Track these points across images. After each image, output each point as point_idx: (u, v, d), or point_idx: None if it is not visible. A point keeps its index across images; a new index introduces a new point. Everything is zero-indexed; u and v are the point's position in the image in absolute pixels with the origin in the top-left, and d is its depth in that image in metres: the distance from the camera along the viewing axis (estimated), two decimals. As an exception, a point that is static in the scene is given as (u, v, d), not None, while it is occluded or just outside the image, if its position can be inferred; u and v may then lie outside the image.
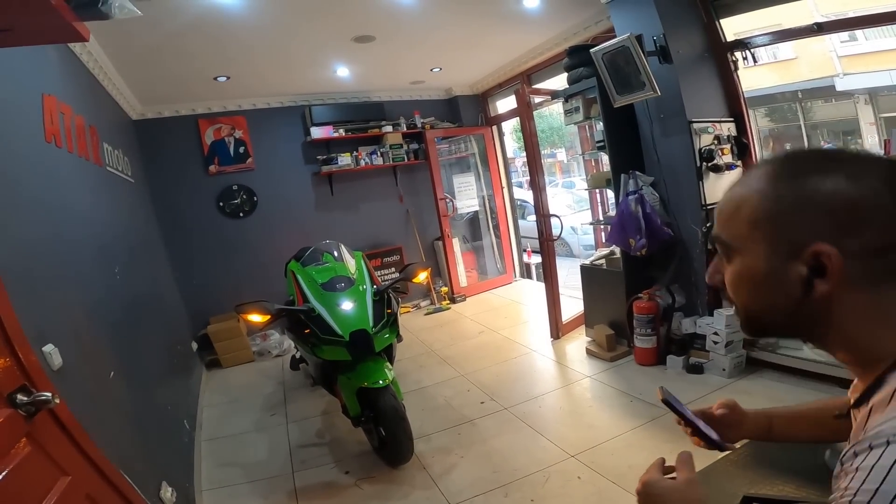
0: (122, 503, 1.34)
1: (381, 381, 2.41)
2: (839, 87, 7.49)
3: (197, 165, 4.84)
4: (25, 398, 1.12)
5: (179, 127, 4.72)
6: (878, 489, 0.48)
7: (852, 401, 0.69)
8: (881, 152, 2.51)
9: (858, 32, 5.52)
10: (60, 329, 1.55)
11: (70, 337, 1.61)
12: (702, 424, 0.93)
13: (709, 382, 3.03)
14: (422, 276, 2.78)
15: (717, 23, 3.25)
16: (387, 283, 2.79)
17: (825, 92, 8.02)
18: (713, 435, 0.92)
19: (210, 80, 4.17)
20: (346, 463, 2.66)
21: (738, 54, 3.21)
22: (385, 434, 2.43)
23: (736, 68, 3.25)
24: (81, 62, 2.81)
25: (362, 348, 2.40)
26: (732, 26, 3.29)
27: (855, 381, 0.73)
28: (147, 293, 3.20)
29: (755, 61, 3.18)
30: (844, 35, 6.22)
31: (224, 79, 4.17)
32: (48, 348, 1.38)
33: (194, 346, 4.48)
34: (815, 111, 8.72)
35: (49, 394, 1.15)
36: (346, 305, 2.53)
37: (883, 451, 0.50)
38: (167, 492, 1.88)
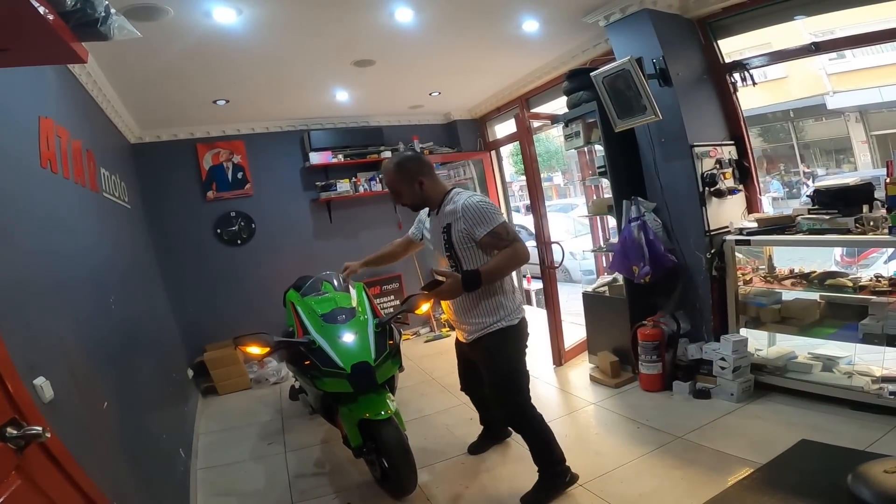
0: (115, 542, 1.27)
1: (383, 413, 2.35)
2: (830, 106, 7.50)
3: (195, 191, 4.80)
4: (15, 432, 1.07)
5: (177, 151, 4.69)
6: None
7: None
8: (881, 172, 2.57)
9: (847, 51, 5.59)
10: (52, 360, 1.49)
11: (62, 368, 1.55)
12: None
13: (717, 407, 2.97)
14: (424, 308, 2.72)
15: (714, 44, 3.28)
16: (389, 315, 2.74)
17: (817, 111, 8.03)
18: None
19: (209, 104, 4.16)
20: (348, 494, 2.58)
21: (736, 75, 3.22)
22: (388, 466, 2.36)
23: (735, 90, 3.27)
24: (80, 84, 2.79)
25: (364, 381, 2.35)
26: (724, 47, 3.32)
27: None
28: (143, 321, 3.13)
29: (754, 83, 3.20)
30: (832, 53, 6.48)
31: (223, 102, 4.17)
32: (39, 381, 1.33)
33: (190, 373, 4.40)
34: (807, 130, 8.70)
35: (39, 428, 1.10)
36: (348, 337, 2.48)
37: None
38: (161, 528, 1.79)
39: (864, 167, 7.52)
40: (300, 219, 5.25)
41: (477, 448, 2.83)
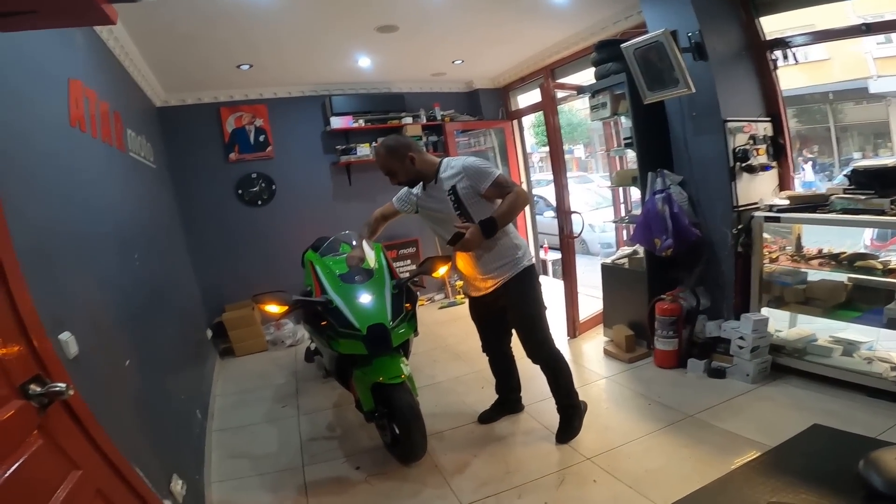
0: (132, 498, 1.31)
1: (397, 378, 2.37)
2: (872, 90, 7.34)
3: (217, 153, 4.86)
4: (39, 389, 1.09)
5: (201, 114, 4.74)
6: None
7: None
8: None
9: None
10: (78, 316, 1.53)
11: (87, 324, 1.59)
12: None
13: (731, 388, 2.94)
14: (442, 270, 2.72)
15: (756, 21, 3.15)
16: (406, 276, 2.73)
17: (857, 94, 7.84)
18: None
19: (233, 68, 4.16)
20: (358, 458, 2.63)
21: (777, 53, 3.10)
22: (399, 431, 2.40)
23: (775, 67, 3.15)
24: (108, 48, 2.79)
25: (379, 343, 2.35)
26: (765, 26, 3.19)
27: None
28: (165, 279, 3.19)
29: (796, 61, 3.08)
30: (881, 36, 6.02)
31: (247, 67, 4.16)
32: (64, 336, 1.36)
33: (209, 333, 4.50)
34: (846, 113, 8.46)
35: (63, 384, 1.12)
36: (365, 298, 2.48)
37: None
38: (178, 485, 1.86)
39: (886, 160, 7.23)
40: (320, 181, 5.29)
41: (488, 417, 2.87)
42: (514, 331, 2.62)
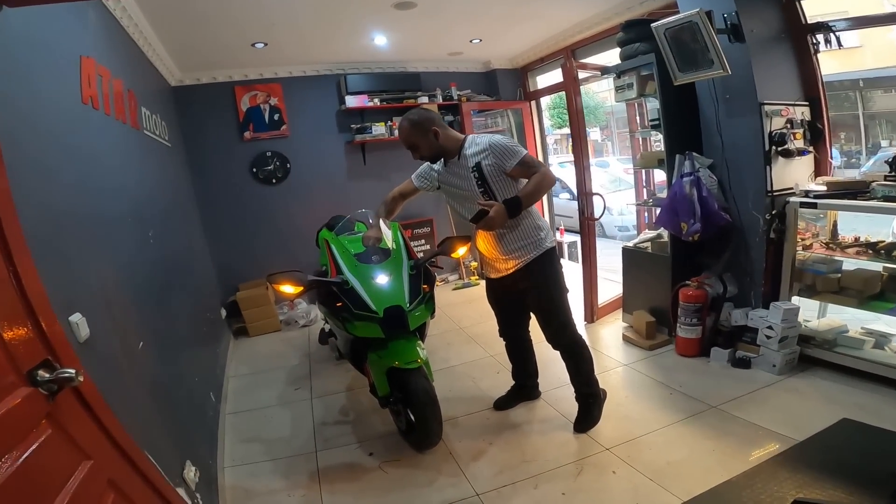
0: (145, 488, 1.27)
1: (413, 362, 2.30)
2: None
3: (232, 131, 4.82)
4: (48, 375, 1.04)
5: (216, 93, 4.69)
6: None
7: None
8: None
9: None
10: (90, 297, 1.49)
11: (100, 305, 1.55)
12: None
13: (756, 378, 2.85)
14: (461, 251, 2.64)
15: (797, 3, 3.01)
16: (424, 256, 2.66)
17: (889, 82, 7.71)
18: None
19: (247, 47, 4.08)
20: (371, 444, 2.60)
21: (819, 37, 2.98)
22: (414, 418, 2.34)
23: (816, 51, 3.03)
24: (122, 26, 2.73)
25: (396, 326, 2.29)
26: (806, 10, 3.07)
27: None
28: (180, 258, 3.17)
29: (840, 45, 2.94)
30: None
31: (261, 45, 4.08)
32: (75, 318, 1.32)
33: (223, 312, 4.50)
34: (876, 101, 8.36)
35: (73, 370, 1.06)
36: (382, 279, 2.41)
37: None
38: (191, 472, 1.83)
39: None
40: (334, 160, 5.23)
41: (504, 404, 2.82)
42: (533, 315, 2.56)
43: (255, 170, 4.92)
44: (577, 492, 2.08)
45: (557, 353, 2.54)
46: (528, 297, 2.47)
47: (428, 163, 2.48)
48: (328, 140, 5.16)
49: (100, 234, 1.73)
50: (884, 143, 8.07)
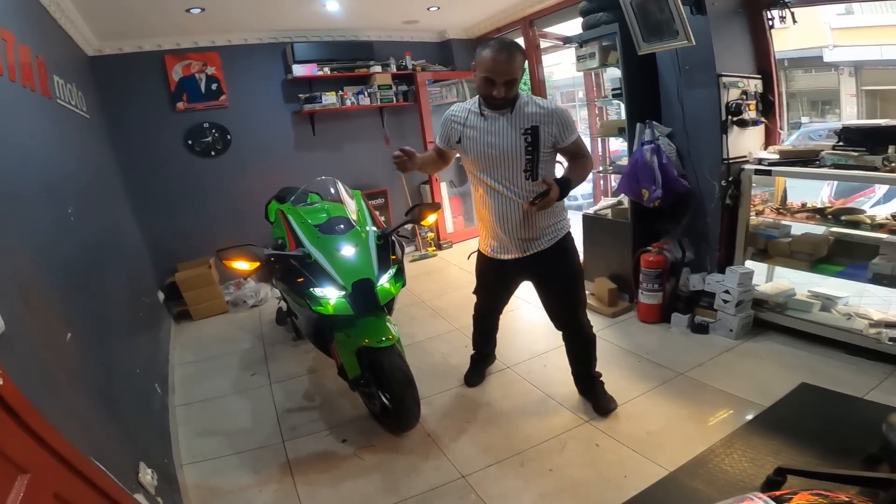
0: (98, 498, 1.08)
1: (385, 340, 2.15)
2: (827, 59, 7.67)
3: (162, 102, 4.37)
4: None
5: (143, 63, 4.23)
6: None
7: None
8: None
9: (856, 6, 5.55)
10: (2, 284, 1.22)
11: (14, 293, 1.28)
12: None
13: (714, 343, 2.93)
14: (431, 219, 2.48)
15: None
16: (392, 226, 2.50)
17: (811, 62, 8.32)
18: None
19: (181, 12, 3.66)
20: (342, 430, 2.44)
21: (774, 13, 3.06)
22: (390, 400, 2.20)
23: (771, 27, 3.12)
24: None
25: (366, 301, 2.12)
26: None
27: None
28: (107, 238, 2.82)
29: (795, 21, 3.02)
30: (841, 7, 6.31)
31: (198, 10, 3.67)
32: (-17, 310, 1.07)
33: (161, 296, 4.12)
34: (798, 80, 9.00)
35: (-12, 372, 0.85)
36: (348, 251, 2.23)
37: None
38: (147, 474, 1.61)
39: (848, 118, 7.80)
40: (281, 131, 4.90)
41: (477, 379, 2.74)
42: (544, 297, 2.37)
43: (190, 142, 4.50)
44: (564, 467, 2.05)
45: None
46: (544, 279, 2.28)
47: (453, 113, 2.13)
48: (274, 110, 4.82)
49: (8, 210, 1.44)
50: (804, 119, 8.72)
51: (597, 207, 3.80)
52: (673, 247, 3.27)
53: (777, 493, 0.90)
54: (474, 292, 2.57)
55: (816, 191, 4.00)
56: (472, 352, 2.80)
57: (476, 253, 2.46)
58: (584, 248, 3.81)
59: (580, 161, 2.07)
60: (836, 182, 3.84)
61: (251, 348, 3.56)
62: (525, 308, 3.68)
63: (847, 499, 0.90)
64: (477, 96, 2.07)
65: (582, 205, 6.01)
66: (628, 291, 3.49)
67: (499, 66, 1.86)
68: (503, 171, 2.03)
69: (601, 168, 3.97)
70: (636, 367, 2.79)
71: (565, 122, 2.00)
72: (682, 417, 2.29)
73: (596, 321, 3.30)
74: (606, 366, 2.82)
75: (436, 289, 4.28)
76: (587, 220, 3.77)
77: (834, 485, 1.64)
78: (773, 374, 2.55)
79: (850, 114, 7.83)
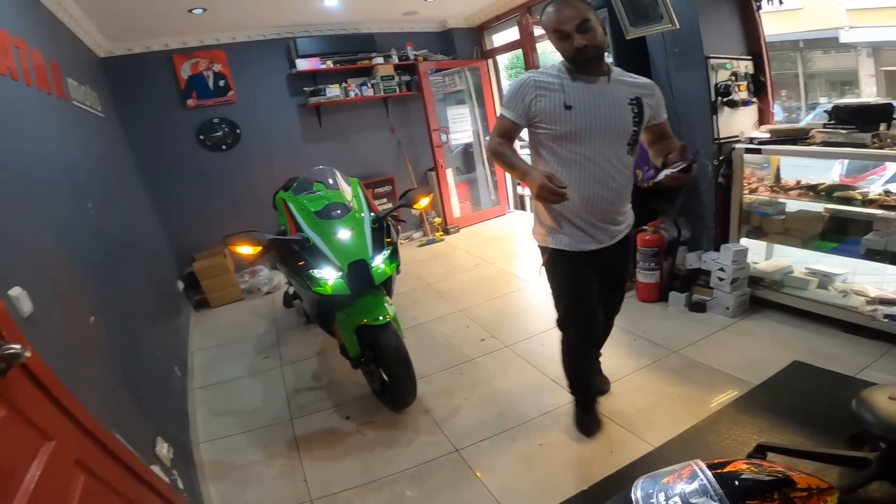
0: (115, 467, 1.22)
1: (381, 318, 2.28)
2: (843, 40, 7.53)
3: (173, 100, 4.55)
4: (-9, 352, 0.96)
5: (152, 63, 4.40)
6: None
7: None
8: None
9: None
10: (29, 270, 1.38)
11: (41, 278, 1.44)
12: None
13: (711, 322, 2.98)
14: (423, 202, 2.60)
15: None
16: (386, 209, 2.62)
17: (828, 43, 8.20)
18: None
19: (183, 13, 3.79)
20: (346, 408, 2.59)
21: None
22: (387, 376, 2.34)
23: (759, 8, 3.11)
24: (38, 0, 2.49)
25: (361, 281, 2.26)
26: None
27: None
28: (127, 230, 3.01)
29: (781, 2, 3.03)
30: None
31: (200, 11, 3.80)
32: (15, 292, 1.22)
33: (180, 285, 4.33)
34: (815, 61, 8.85)
35: (18, 346, 0.99)
36: (344, 234, 2.36)
37: None
38: (163, 448, 1.77)
39: (868, 98, 7.60)
40: (288, 123, 5.05)
41: (592, 426, 2.21)
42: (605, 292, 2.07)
43: (202, 137, 4.69)
44: (553, 443, 2.15)
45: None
46: (610, 271, 2.01)
47: (537, 80, 1.74)
48: (280, 104, 4.97)
49: (34, 205, 1.60)
50: (822, 99, 8.58)
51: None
52: (669, 226, 3.32)
53: (717, 461, 0.97)
54: (560, 321, 2.06)
55: (826, 170, 3.98)
56: (575, 396, 2.28)
57: (548, 258, 1.96)
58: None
59: (668, 142, 1.86)
60: (846, 161, 3.83)
61: (265, 333, 3.75)
62: (526, 288, 3.79)
63: (784, 468, 0.94)
64: (552, 65, 1.83)
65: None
66: (627, 271, 3.56)
67: (563, 13, 1.64)
68: (608, 142, 1.76)
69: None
70: (632, 345, 2.87)
71: (660, 97, 1.85)
72: (672, 395, 2.36)
73: (596, 301, 3.43)
74: (604, 345, 2.93)
75: (441, 272, 4.41)
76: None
77: (815, 464, 1.66)
78: (767, 352, 2.58)
79: (870, 94, 7.75)
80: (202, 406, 2.81)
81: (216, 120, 4.70)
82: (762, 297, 3.06)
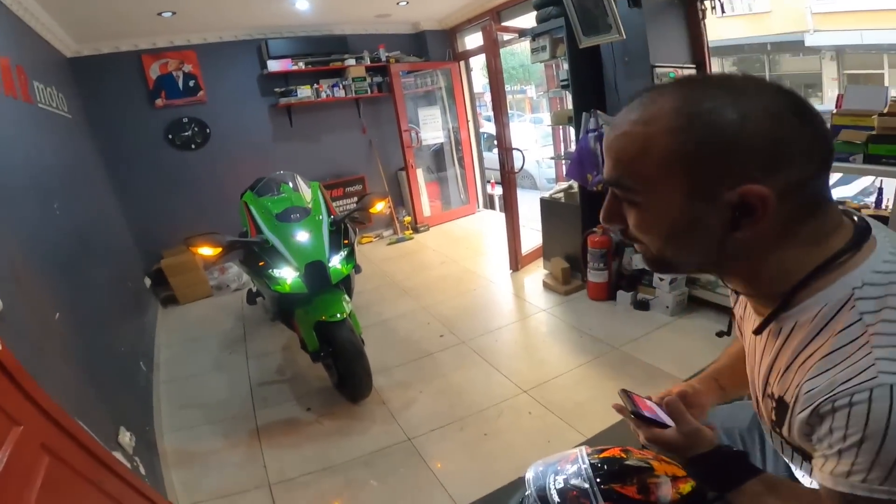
0: (79, 451, 1.33)
1: (338, 315, 2.42)
2: (808, 43, 7.80)
3: (142, 99, 4.57)
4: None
5: (120, 63, 4.41)
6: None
7: (755, 326, 0.71)
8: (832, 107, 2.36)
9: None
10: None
11: (9, 278, 1.54)
12: (661, 413, 0.91)
13: (654, 319, 3.17)
14: (379, 206, 2.73)
15: None
16: (343, 213, 2.75)
17: (794, 47, 8.38)
18: (668, 422, 0.88)
19: (153, 16, 3.82)
20: (307, 399, 2.72)
21: (707, 3, 3.21)
22: (343, 370, 2.48)
23: (704, 17, 3.28)
24: (4, 5, 2.54)
25: (318, 280, 2.40)
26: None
27: (742, 302, 0.83)
28: (92, 229, 3.06)
29: (723, 11, 3.20)
30: None
31: (169, 14, 3.83)
32: (-17, 290, 1.32)
33: (147, 282, 4.37)
34: (782, 64, 9.11)
35: (-9, 341, 1.11)
36: (302, 236, 2.49)
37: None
38: (125, 436, 1.88)
39: (830, 102, 7.84)
40: (258, 124, 5.10)
41: None
42: None
43: (170, 136, 4.72)
44: (497, 432, 2.31)
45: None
46: None
47: None
48: (251, 104, 5.02)
49: (-2, 208, 1.68)
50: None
51: (552, 191, 4.06)
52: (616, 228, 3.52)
53: (600, 447, 1.08)
54: None
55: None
56: None
57: None
58: (543, 229, 4.08)
59: None
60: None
61: (232, 328, 3.84)
62: (486, 286, 3.98)
63: (650, 456, 1.03)
64: None
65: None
66: (580, 270, 3.73)
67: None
68: None
69: (557, 154, 4.19)
70: (577, 341, 3.05)
71: None
72: (608, 389, 2.52)
73: (551, 299, 3.63)
74: (550, 341, 3.12)
75: (408, 270, 4.55)
76: (544, 203, 4.03)
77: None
78: (698, 349, 2.76)
79: (832, 97, 8.03)
80: (167, 399, 2.90)
81: (185, 119, 4.74)
82: (699, 297, 3.25)
